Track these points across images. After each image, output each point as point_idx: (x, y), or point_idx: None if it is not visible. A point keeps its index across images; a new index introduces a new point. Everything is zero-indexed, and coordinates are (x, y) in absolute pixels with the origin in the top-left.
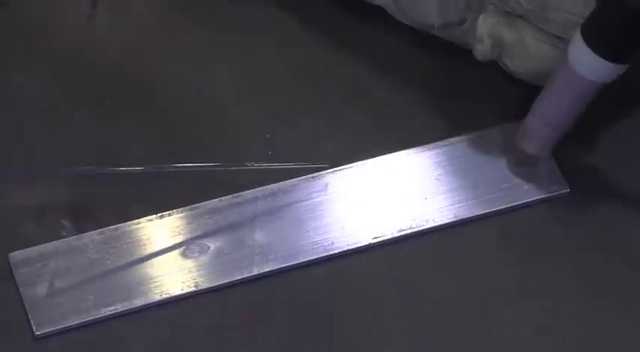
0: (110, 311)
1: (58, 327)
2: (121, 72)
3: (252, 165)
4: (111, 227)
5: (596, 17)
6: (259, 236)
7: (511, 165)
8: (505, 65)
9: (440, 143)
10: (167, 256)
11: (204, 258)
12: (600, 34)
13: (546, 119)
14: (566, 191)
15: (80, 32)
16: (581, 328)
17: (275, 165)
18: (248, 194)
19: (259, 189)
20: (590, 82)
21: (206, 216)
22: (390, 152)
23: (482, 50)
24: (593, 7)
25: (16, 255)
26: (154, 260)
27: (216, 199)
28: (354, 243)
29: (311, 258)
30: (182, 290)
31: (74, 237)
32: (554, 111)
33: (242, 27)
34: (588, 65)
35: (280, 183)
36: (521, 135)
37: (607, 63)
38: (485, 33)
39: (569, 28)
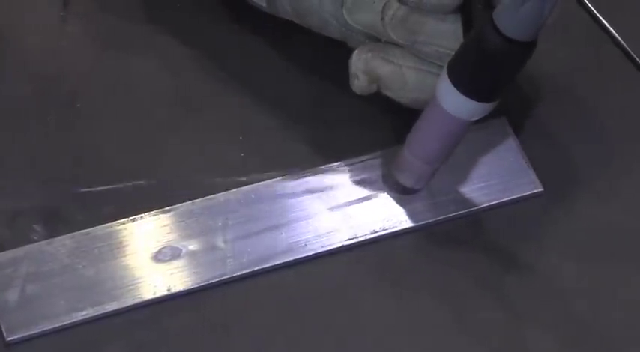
0: (82, 316)
1: (29, 333)
2: (93, 74)
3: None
4: (83, 231)
5: (459, 56)
6: (232, 238)
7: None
8: (387, 96)
9: None
10: (140, 260)
11: (177, 262)
12: (462, 73)
13: (419, 153)
14: (540, 190)
15: (51, 33)
16: None
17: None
18: (221, 196)
19: (232, 191)
20: (457, 119)
21: (179, 219)
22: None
23: (358, 86)
24: (460, 42)
25: None
26: (127, 264)
27: (189, 202)
28: (328, 245)
29: (284, 260)
30: (155, 294)
31: (46, 241)
32: (427, 146)
33: (214, 27)
34: (454, 102)
35: (253, 185)
36: (396, 167)
37: (471, 101)
38: (360, 69)
39: (443, 60)
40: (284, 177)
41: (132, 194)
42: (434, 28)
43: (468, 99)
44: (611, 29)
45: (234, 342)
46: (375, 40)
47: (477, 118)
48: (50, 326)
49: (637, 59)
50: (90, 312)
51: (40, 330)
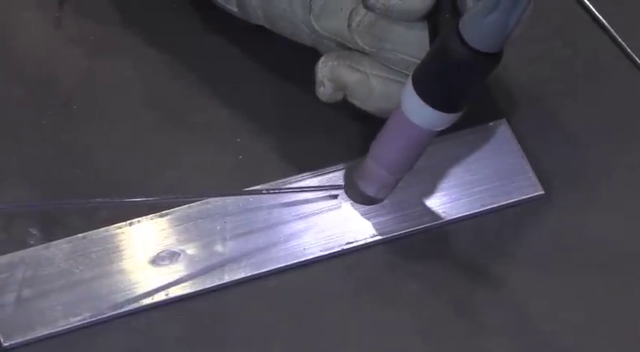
0: (79, 321)
1: (26, 338)
2: (88, 75)
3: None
4: (80, 235)
5: (424, 65)
6: (230, 243)
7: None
8: (354, 104)
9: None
10: (137, 264)
11: (174, 266)
12: (427, 83)
13: (382, 162)
14: (540, 193)
15: (46, 35)
16: None
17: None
18: (219, 200)
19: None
20: (421, 128)
21: (176, 223)
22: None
23: (324, 94)
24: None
25: None
26: (124, 268)
27: (186, 205)
28: (327, 249)
29: (283, 264)
30: (152, 299)
31: (42, 245)
32: (390, 155)
33: (206, 31)
34: (418, 112)
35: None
36: (359, 176)
37: (435, 111)
38: (326, 76)
39: (410, 68)
40: (283, 180)
41: (129, 197)
42: (401, 36)
43: (432, 109)
44: (610, 29)
45: (233, 347)
46: (345, 47)
47: (441, 129)
48: (47, 332)
49: (637, 59)
50: (87, 317)
51: (36, 336)
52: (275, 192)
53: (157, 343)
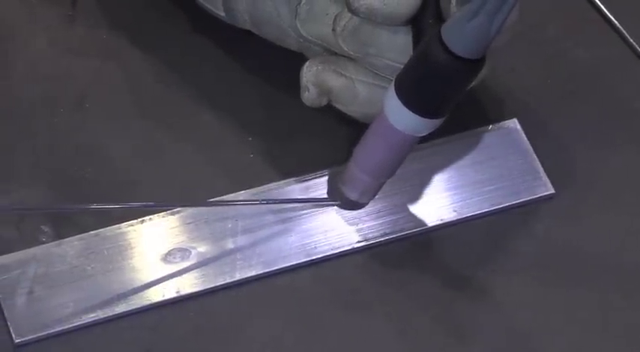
0: (91, 318)
1: (38, 335)
2: (102, 74)
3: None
4: (91, 232)
5: (406, 70)
6: (242, 240)
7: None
8: (339, 109)
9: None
10: (148, 262)
11: (186, 264)
12: (409, 88)
13: (365, 167)
14: (551, 193)
15: (59, 33)
16: None
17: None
18: (230, 198)
19: (241, 192)
20: (403, 134)
21: (188, 221)
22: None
23: (309, 98)
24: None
25: None
26: (135, 266)
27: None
28: (338, 248)
29: (294, 262)
30: (164, 296)
31: (54, 242)
32: (372, 159)
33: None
34: (401, 118)
35: (262, 186)
36: (343, 180)
37: (417, 117)
38: (311, 81)
39: (394, 74)
40: (295, 179)
41: (141, 194)
42: (385, 40)
43: (414, 114)
44: (622, 29)
45: (243, 344)
46: (331, 53)
47: (424, 134)
48: (59, 329)
49: None
50: (99, 314)
51: (48, 332)
52: (267, 203)
53: (168, 340)
